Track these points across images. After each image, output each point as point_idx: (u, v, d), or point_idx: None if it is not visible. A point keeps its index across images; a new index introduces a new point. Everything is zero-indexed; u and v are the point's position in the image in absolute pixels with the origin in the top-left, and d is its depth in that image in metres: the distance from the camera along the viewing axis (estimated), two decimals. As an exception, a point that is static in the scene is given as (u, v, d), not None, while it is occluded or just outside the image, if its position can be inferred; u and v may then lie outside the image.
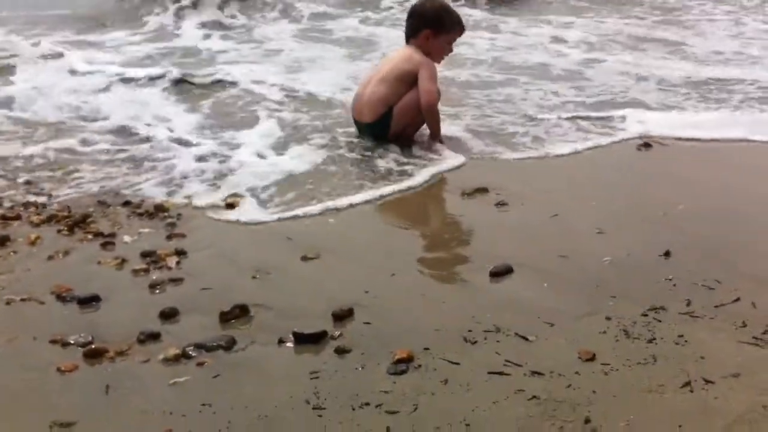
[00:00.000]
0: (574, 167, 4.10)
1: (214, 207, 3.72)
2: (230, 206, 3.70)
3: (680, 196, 3.67)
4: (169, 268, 3.13)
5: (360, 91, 4.62)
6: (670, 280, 2.95)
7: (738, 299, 2.81)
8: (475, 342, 2.60)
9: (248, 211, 3.66)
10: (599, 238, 3.31)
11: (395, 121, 4.48)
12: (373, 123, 4.49)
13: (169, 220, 3.55)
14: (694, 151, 4.29)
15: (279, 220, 3.57)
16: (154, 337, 2.66)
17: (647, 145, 4.37)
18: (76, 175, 4.11)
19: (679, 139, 4.55)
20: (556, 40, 7.37)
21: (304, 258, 3.19)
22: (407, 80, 4.48)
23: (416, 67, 4.46)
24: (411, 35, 4.58)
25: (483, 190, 3.80)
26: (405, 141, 4.51)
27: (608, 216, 3.50)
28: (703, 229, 3.38)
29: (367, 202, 3.78)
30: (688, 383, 2.35)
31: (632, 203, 3.64)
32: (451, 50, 4.67)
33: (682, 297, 2.83)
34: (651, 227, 3.39)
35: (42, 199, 3.77)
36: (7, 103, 5.30)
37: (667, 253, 3.13)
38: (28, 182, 4.00)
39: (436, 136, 4.53)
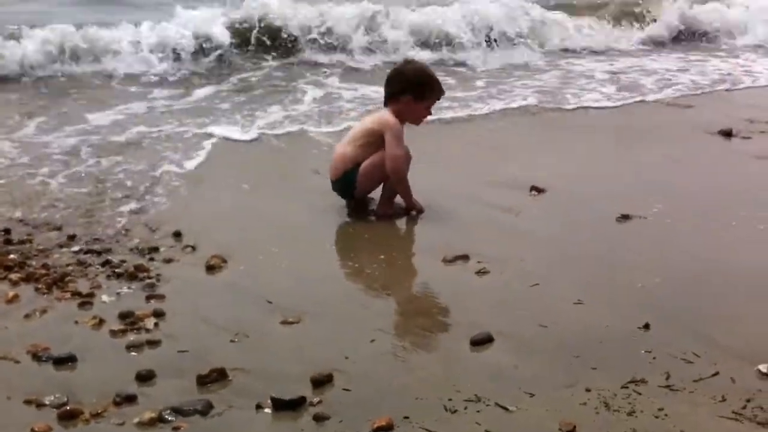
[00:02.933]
0: (554, 237, 4.13)
1: (194, 268, 3.70)
2: (211, 268, 3.68)
3: (657, 268, 3.70)
4: (147, 330, 3.11)
5: (335, 151, 4.65)
6: (650, 352, 2.96)
7: (717, 373, 2.82)
8: (456, 411, 2.58)
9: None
10: (578, 308, 3.32)
11: (360, 181, 4.45)
12: (336, 180, 4.51)
13: (149, 281, 3.53)
14: (669, 224, 4.33)
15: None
16: (131, 399, 2.63)
17: (626, 217, 4.41)
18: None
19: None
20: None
21: (284, 322, 3.17)
22: (373, 140, 4.44)
23: (382, 128, 4.42)
24: (390, 98, 4.51)
25: (464, 257, 3.81)
26: (378, 207, 4.49)
27: (587, 287, 3.51)
28: (681, 301, 3.40)
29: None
30: (668, 457, 2.35)
31: (610, 275, 3.66)
32: (430, 113, 4.61)
33: (662, 370, 2.84)
34: (629, 299, 3.41)
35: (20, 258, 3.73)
36: None
37: (646, 326, 3.14)
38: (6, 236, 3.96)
39: (408, 205, 4.45)
